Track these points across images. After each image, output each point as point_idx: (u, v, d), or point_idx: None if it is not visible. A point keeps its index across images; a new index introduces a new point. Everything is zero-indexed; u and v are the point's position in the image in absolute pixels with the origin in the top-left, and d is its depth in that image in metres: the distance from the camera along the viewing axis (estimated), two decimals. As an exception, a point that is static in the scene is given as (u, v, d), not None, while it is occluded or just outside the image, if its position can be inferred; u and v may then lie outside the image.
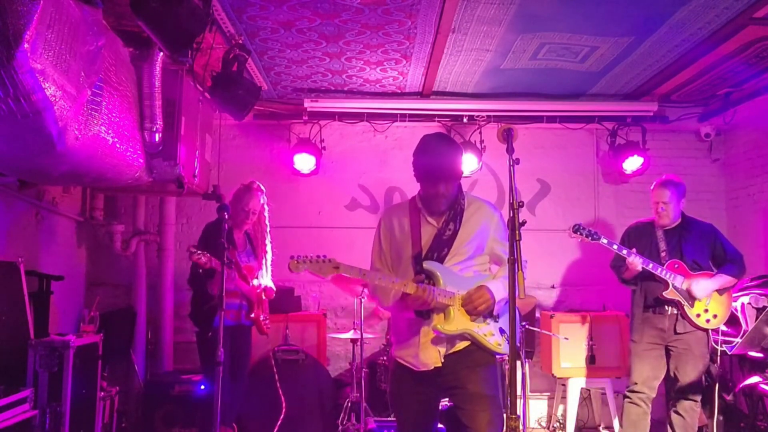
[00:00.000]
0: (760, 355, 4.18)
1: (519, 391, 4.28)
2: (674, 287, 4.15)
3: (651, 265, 4.12)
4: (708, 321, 4.16)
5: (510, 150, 2.63)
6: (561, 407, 5.67)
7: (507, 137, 2.69)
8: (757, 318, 4.28)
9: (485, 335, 2.78)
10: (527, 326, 4.72)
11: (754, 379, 4.27)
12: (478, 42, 4.39)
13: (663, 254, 4.28)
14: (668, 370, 4.26)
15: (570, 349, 5.26)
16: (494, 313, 2.81)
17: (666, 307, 4.21)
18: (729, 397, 4.80)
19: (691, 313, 4.15)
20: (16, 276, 3.93)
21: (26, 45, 2.22)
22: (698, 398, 4.21)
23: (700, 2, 3.75)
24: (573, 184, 6.11)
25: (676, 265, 4.19)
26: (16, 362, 3.69)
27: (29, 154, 2.73)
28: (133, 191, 5.12)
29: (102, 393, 4.37)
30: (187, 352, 5.62)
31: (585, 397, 5.71)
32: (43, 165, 2.93)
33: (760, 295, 4.52)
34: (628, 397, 4.34)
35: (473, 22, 4.04)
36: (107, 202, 5.58)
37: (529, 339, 5.27)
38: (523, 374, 4.47)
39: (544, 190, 6.10)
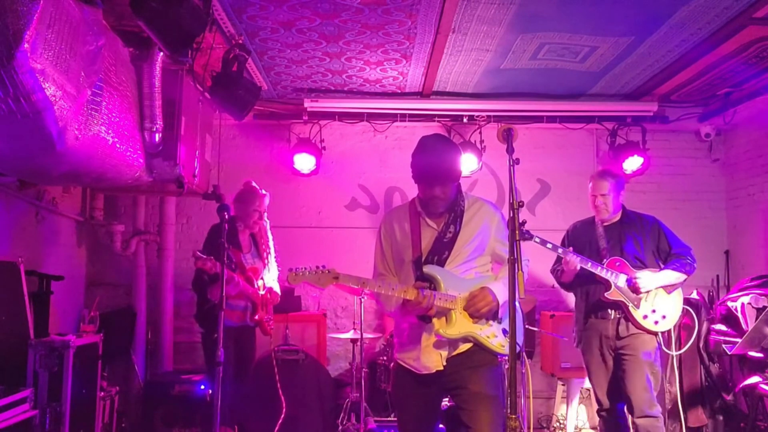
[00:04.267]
0: (760, 355, 4.17)
1: (519, 391, 4.28)
2: (617, 287, 3.71)
3: (590, 264, 3.70)
4: (656, 323, 3.73)
5: (510, 150, 2.63)
6: (561, 407, 5.67)
7: (507, 137, 2.68)
8: (757, 318, 4.27)
9: (488, 337, 2.77)
10: (527, 326, 4.71)
11: (754, 379, 4.25)
12: (478, 42, 4.39)
13: (603, 251, 3.86)
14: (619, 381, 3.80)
15: (570, 349, 5.25)
16: (498, 315, 2.80)
17: (609, 311, 3.79)
18: (729, 397, 4.79)
19: (637, 314, 3.71)
20: (16, 276, 3.92)
21: (26, 45, 2.22)
22: (657, 413, 3.67)
23: (700, 2, 3.75)
24: (573, 184, 6.09)
25: (618, 263, 3.77)
26: (16, 362, 3.69)
27: (29, 154, 2.73)
28: (133, 191, 5.12)
29: (102, 393, 4.37)
30: (187, 352, 5.63)
31: (585, 397, 5.71)
32: (43, 165, 2.93)
33: (760, 295, 4.50)
34: (602, 416, 3.93)
35: (473, 22, 4.04)
36: (107, 202, 5.58)
37: (529, 339, 5.27)
38: (524, 374, 4.46)
39: (544, 190, 6.10)
